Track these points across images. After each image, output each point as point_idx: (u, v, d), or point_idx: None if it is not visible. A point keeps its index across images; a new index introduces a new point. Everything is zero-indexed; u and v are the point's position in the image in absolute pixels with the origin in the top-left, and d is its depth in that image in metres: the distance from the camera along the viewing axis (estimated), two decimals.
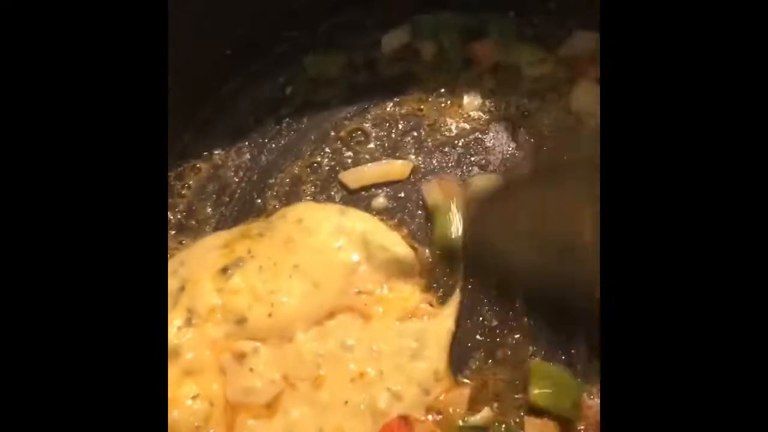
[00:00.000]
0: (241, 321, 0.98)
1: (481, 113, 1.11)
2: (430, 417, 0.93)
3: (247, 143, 1.14)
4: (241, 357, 0.97)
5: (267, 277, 1.00)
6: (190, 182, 1.12)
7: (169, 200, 1.10)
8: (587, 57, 1.08)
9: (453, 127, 1.10)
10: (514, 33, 1.12)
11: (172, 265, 1.03)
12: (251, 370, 0.96)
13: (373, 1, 1.12)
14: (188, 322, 0.98)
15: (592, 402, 0.91)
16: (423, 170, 1.08)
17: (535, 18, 1.12)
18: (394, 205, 1.07)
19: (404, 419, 0.92)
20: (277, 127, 1.14)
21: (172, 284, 1.01)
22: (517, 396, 0.93)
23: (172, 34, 0.71)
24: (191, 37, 1.00)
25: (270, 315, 0.98)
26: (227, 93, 1.15)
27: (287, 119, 1.14)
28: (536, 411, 0.91)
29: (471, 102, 1.11)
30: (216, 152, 1.14)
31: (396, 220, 1.06)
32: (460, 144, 1.09)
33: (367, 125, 1.13)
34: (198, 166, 1.13)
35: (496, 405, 0.93)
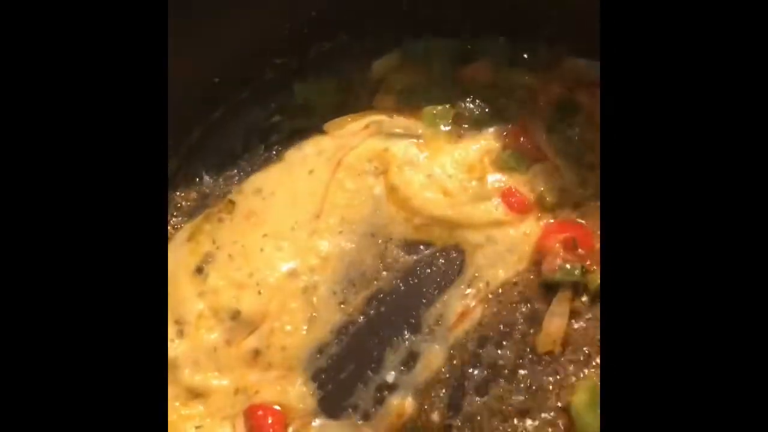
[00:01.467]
0: (235, 315, 0.98)
1: None
2: None
3: (235, 171, 1.12)
4: (255, 355, 0.96)
5: (240, 264, 1.01)
6: (177, 209, 1.10)
7: None
8: (578, 83, 1.08)
9: None
10: (504, 58, 1.11)
11: None
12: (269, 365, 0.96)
13: (363, 27, 1.11)
14: (180, 334, 0.98)
15: None
16: None
17: (526, 43, 1.11)
18: None
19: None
20: (267, 154, 1.12)
21: None
22: None
23: None
24: (179, 65, 0.98)
25: (259, 293, 0.99)
26: (216, 120, 1.13)
27: (277, 146, 1.12)
28: None
29: None
30: (204, 179, 1.12)
31: None
32: None
33: None
34: (184, 194, 1.11)
35: None
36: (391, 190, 1.03)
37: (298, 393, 0.97)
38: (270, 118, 1.14)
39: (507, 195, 1.01)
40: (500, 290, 0.99)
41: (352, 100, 1.13)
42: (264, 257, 1.02)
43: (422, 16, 1.09)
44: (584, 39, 1.05)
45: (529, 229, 1.00)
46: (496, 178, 1.03)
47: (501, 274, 0.99)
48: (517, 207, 1.01)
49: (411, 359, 0.96)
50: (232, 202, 1.07)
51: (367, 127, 1.08)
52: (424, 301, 0.99)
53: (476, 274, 0.99)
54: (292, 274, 1.01)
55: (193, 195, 1.11)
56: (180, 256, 1.04)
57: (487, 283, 0.98)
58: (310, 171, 1.07)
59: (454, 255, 1.01)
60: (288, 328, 0.98)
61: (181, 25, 0.87)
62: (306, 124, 1.12)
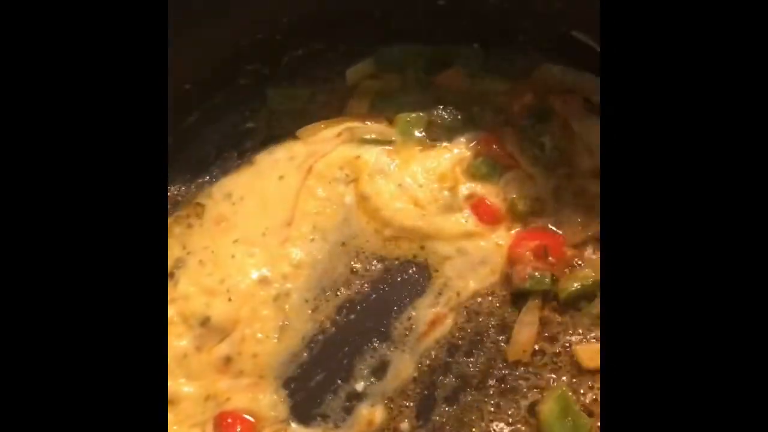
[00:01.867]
0: (204, 322, 0.98)
1: None
2: None
3: (208, 177, 1.11)
4: (227, 362, 0.96)
5: (211, 269, 1.01)
6: None
7: None
8: (551, 90, 1.07)
9: None
10: (478, 65, 1.11)
11: None
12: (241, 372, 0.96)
13: (337, 34, 1.11)
14: None
15: None
16: None
17: (499, 51, 1.11)
18: None
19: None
20: (239, 161, 1.11)
21: None
22: None
23: None
24: None
25: (230, 299, 0.98)
26: (188, 126, 1.13)
27: (250, 153, 1.11)
28: None
29: None
30: (175, 186, 1.11)
31: None
32: None
33: None
34: None
35: None
36: (362, 199, 1.03)
37: (270, 401, 0.96)
38: (243, 125, 1.14)
39: (478, 205, 1.01)
40: (471, 299, 0.98)
41: (325, 107, 1.12)
42: (235, 263, 1.01)
43: (396, 24, 1.09)
44: (558, 46, 1.06)
45: (501, 239, 1.00)
46: (467, 188, 1.02)
47: (472, 285, 0.98)
48: (488, 218, 1.01)
49: (381, 368, 0.96)
50: (200, 205, 1.06)
51: (340, 134, 1.08)
52: (394, 309, 0.99)
53: (447, 285, 0.99)
54: (264, 281, 1.00)
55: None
56: None
57: (458, 293, 0.98)
58: (281, 176, 1.06)
59: (425, 266, 1.01)
60: (259, 335, 0.98)
61: None
62: (280, 131, 1.12)
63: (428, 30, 1.10)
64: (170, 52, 0.98)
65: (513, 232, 1.00)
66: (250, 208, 1.05)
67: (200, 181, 1.11)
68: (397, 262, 1.01)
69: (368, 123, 1.09)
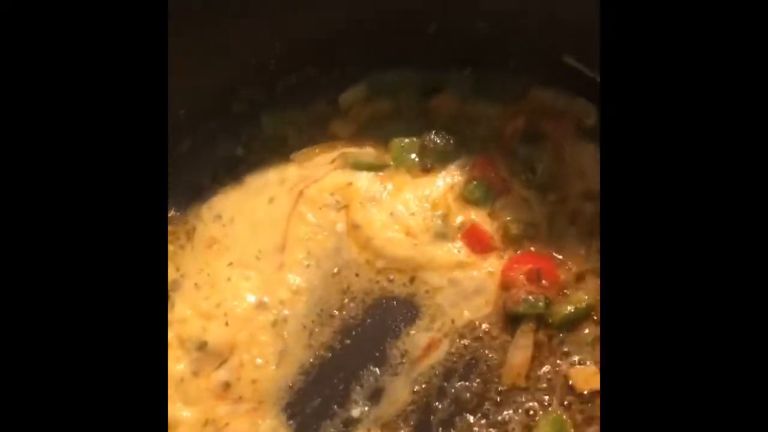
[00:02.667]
0: (201, 346, 0.98)
1: None
2: None
3: (202, 203, 1.11)
4: (225, 387, 0.96)
5: (207, 293, 1.02)
6: None
7: None
8: (544, 113, 1.08)
9: None
10: (470, 89, 1.12)
11: None
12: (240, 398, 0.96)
13: (330, 59, 1.12)
14: None
15: None
16: None
17: (491, 75, 1.12)
18: None
19: None
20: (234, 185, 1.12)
21: None
22: None
23: None
24: None
25: (227, 324, 0.99)
26: (183, 152, 1.13)
27: (243, 175, 1.12)
28: None
29: None
30: (170, 212, 1.11)
31: None
32: None
33: None
34: None
35: None
36: (353, 227, 1.03)
37: (269, 426, 0.97)
38: (238, 150, 1.14)
39: (471, 232, 1.01)
40: (465, 326, 0.99)
41: (320, 132, 1.13)
42: (231, 287, 1.02)
43: (388, 49, 1.10)
44: (549, 70, 1.07)
45: (493, 267, 1.00)
46: (460, 215, 1.03)
47: (466, 314, 0.99)
48: (481, 245, 1.01)
49: (376, 393, 0.97)
50: (191, 225, 1.08)
51: (334, 161, 1.08)
52: (389, 334, 1.00)
53: (441, 312, 0.99)
54: (261, 306, 1.01)
55: None
56: None
57: (453, 321, 0.99)
58: (271, 199, 1.07)
59: (419, 295, 1.01)
60: (259, 361, 0.98)
61: None
62: (274, 155, 1.12)
63: (420, 55, 1.11)
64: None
65: (506, 256, 1.01)
66: (242, 231, 1.06)
67: (195, 205, 1.11)
68: (392, 290, 1.02)
69: (363, 148, 1.09)
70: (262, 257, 1.03)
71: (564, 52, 1.04)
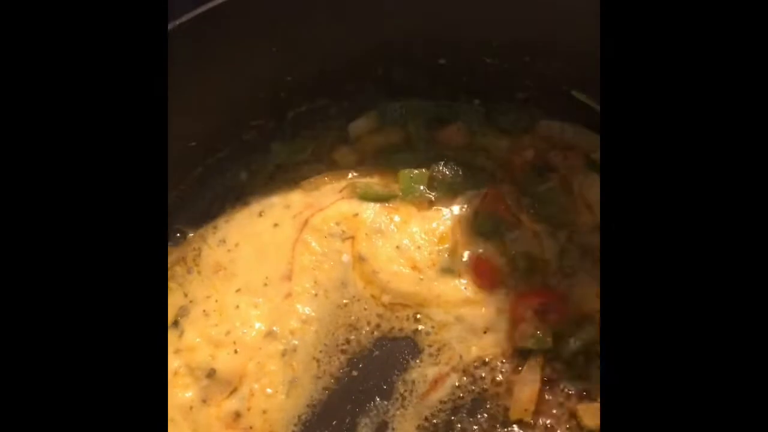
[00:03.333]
0: (210, 374, 0.98)
1: None
2: None
3: (210, 229, 1.12)
4: (236, 417, 0.96)
5: (216, 320, 1.02)
6: None
7: None
8: (552, 145, 1.09)
9: None
10: (479, 120, 1.12)
11: None
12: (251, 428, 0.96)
13: (340, 90, 1.12)
14: None
15: None
16: None
17: (501, 106, 1.12)
18: None
19: None
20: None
21: None
22: None
23: None
24: None
25: (236, 352, 0.99)
26: (192, 181, 1.14)
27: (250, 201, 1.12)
28: None
29: None
30: (177, 239, 1.11)
31: None
32: None
33: None
34: None
35: None
36: (359, 260, 1.03)
37: None
38: (247, 178, 1.15)
39: (478, 267, 1.01)
40: (473, 360, 0.99)
41: (328, 161, 1.14)
42: (240, 315, 1.02)
43: (398, 80, 1.11)
44: (558, 103, 1.07)
45: (501, 303, 1.00)
46: (467, 249, 1.03)
47: (474, 351, 0.98)
48: (488, 280, 1.01)
49: (383, 426, 0.97)
50: (197, 250, 1.08)
51: (342, 190, 1.09)
52: (397, 367, 1.00)
53: (449, 347, 0.99)
54: (270, 335, 1.01)
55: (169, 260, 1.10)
56: None
57: (461, 356, 0.99)
58: (275, 224, 1.07)
59: (425, 331, 1.01)
60: (269, 390, 0.98)
61: None
62: (281, 183, 1.13)
63: (429, 86, 1.11)
64: (176, 110, 1.02)
65: (514, 291, 1.01)
66: (247, 256, 1.06)
67: (202, 232, 1.11)
68: (399, 323, 1.02)
69: (371, 178, 1.10)
70: (270, 284, 1.04)
71: (573, 87, 1.04)
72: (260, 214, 1.10)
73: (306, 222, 1.07)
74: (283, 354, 1.00)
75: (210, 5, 0.93)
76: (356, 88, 1.12)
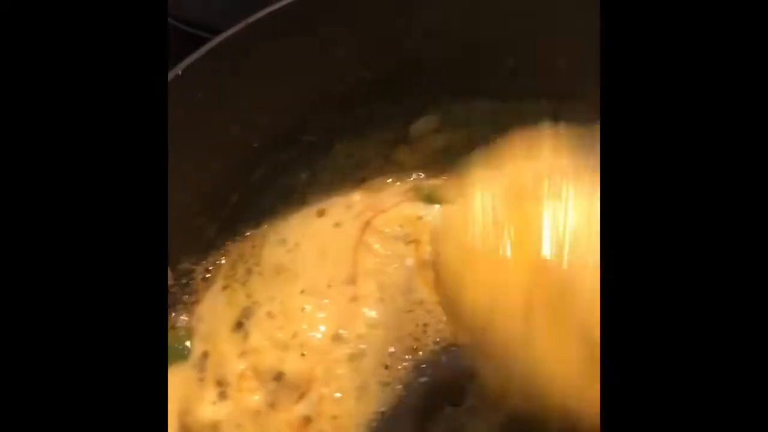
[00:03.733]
0: (278, 377, 0.97)
1: None
2: None
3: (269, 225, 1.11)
4: (306, 422, 0.95)
5: (282, 323, 1.00)
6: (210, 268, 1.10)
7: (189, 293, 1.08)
8: None
9: None
10: (548, 120, 1.10)
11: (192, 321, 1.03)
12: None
13: (402, 90, 1.11)
14: (222, 396, 0.97)
15: None
16: None
17: (567, 104, 1.10)
18: None
19: None
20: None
21: (196, 348, 1.01)
22: None
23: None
24: (218, 133, 1.01)
25: (303, 355, 0.97)
26: (255, 182, 1.13)
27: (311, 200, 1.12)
28: None
29: None
30: (237, 241, 1.11)
31: None
32: None
33: None
34: (221, 260, 1.10)
35: None
36: (423, 265, 1.02)
37: None
38: (308, 178, 1.14)
39: None
40: None
41: (391, 161, 1.13)
42: (306, 317, 1.00)
43: (463, 80, 1.10)
44: None
45: None
46: None
47: None
48: None
49: None
50: (256, 248, 1.08)
51: (406, 192, 1.08)
52: (466, 375, 0.99)
53: None
54: (338, 338, 0.99)
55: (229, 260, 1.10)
56: (218, 306, 1.04)
57: None
58: (336, 223, 1.06)
59: None
60: (337, 395, 0.97)
61: None
62: (343, 182, 1.12)
63: (495, 87, 1.10)
64: (240, 111, 1.01)
65: None
66: (308, 256, 1.05)
67: (260, 227, 1.11)
68: None
69: (437, 179, 1.08)
70: (333, 286, 1.02)
71: None
72: (321, 214, 1.08)
73: (368, 223, 1.05)
74: (351, 358, 0.99)
75: (282, 3, 0.93)
76: (419, 88, 1.11)
